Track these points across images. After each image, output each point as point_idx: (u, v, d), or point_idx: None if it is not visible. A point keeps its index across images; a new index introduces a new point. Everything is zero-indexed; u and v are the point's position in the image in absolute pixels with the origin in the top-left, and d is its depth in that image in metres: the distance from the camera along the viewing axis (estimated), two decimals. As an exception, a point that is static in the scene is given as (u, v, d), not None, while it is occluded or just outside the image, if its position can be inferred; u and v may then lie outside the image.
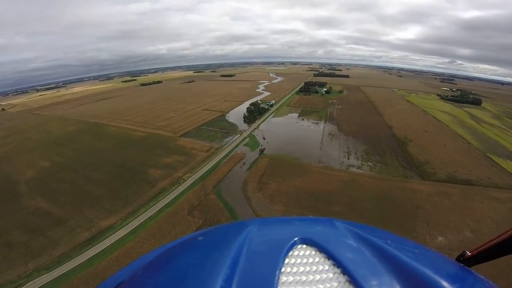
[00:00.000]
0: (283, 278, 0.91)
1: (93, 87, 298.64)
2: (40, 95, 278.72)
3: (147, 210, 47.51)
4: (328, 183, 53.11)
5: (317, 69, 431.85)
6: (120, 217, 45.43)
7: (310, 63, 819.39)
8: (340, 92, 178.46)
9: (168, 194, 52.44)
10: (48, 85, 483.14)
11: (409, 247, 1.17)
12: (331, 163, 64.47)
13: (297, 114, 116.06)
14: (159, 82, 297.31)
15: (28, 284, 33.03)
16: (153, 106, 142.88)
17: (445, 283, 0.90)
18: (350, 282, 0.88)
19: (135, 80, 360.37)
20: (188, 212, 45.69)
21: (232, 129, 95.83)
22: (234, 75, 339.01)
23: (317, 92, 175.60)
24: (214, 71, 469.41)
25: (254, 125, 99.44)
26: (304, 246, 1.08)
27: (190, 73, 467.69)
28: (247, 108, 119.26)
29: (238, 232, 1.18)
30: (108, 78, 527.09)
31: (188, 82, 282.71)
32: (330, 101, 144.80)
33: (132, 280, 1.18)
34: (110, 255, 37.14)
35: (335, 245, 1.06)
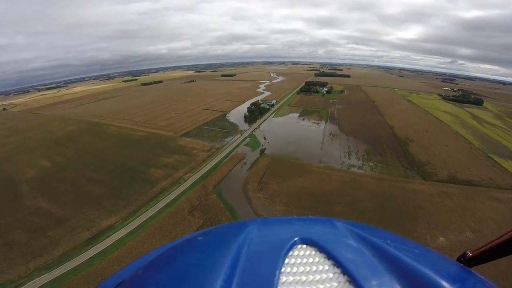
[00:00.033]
0: (283, 278, 0.91)
1: (94, 87, 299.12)
2: (41, 94, 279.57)
3: (147, 210, 47.53)
4: (329, 183, 52.99)
5: (318, 69, 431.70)
6: (121, 217, 45.47)
7: (311, 63, 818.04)
8: (341, 92, 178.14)
9: (169, 194, 52.44)
10: (49, 84, 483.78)
11: (409, 247, 1.16)
12: (332, 163, 64.34)
13: (298, 114, 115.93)
14: (159, 81, 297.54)
15: (28, 283, 33.07)
16: (154, 105, 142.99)
17: (445, 284, 0.90)
18: (350, 282, 0.88)
19: (136, 80, 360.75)
20: (188, 212, 45.67)
21: (232, 129, 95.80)
22: (235, 75, 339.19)
23: (318, 92, 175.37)
24: (215, 71, 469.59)
25: (254, 125, 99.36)
26: (304, 246, 1.08)
27: (191, 72, 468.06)
28: (247, 108, 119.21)
29: (238, 232, 1.18)
30: (109, 77, 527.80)
31: (189, 81, 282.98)
32: (331, 101, 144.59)
33: (132, 280, 1.18)
34: (111, 255, 37.16)
35: (335, 245, 1.06)
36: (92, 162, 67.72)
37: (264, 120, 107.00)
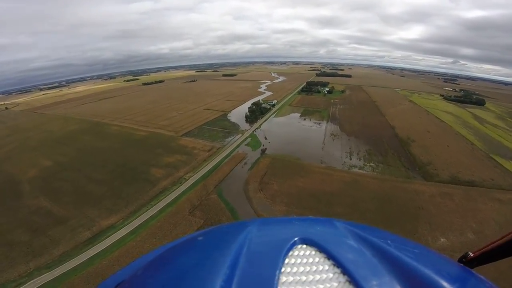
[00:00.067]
0: (283, 278, 0.90)
1: (95, 87, 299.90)
2: (43, 94, 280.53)
3: (148, 209, 47.56)
4: (330, 184, 52.87)
5: (319, 69, 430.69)
6: (122, 217, 45.51)
7: (312, 63, 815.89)
8: (342, 92, 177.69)
9: (170, 193, 52.45)
10: (51, 84, 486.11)
11: (410, 247, 1.16)
12: (333, 163, 64.18)
13: (299, 114, 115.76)
14: (161, 81, 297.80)
15: (29, 283, 33.14)
16: (155, 105, 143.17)
17: (446, 284, 0.90)
18: (350, 282, 0.88)
19: (137, 79, 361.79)
20: (189, 211, 45.66)
21: (233, 128, 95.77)
22: (236, 75, 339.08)
23: (319, 92, 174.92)
24: (216, 71, 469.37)
25: (255, 125, 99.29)
26: (304, 246, 1.07)
27: (192, 72, 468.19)
28: (248, 107, 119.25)
29: (238, 232, 1.18)
30: (111, 77, 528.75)
31: (190, 81, 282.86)
32: (332, 101, 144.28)
33: (133, 280, 1.18)
34: (111, 255, 37.20)
35: (335, 245, 1.06)
36: (93, 162, 67.87)
37: (265, 120, 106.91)
